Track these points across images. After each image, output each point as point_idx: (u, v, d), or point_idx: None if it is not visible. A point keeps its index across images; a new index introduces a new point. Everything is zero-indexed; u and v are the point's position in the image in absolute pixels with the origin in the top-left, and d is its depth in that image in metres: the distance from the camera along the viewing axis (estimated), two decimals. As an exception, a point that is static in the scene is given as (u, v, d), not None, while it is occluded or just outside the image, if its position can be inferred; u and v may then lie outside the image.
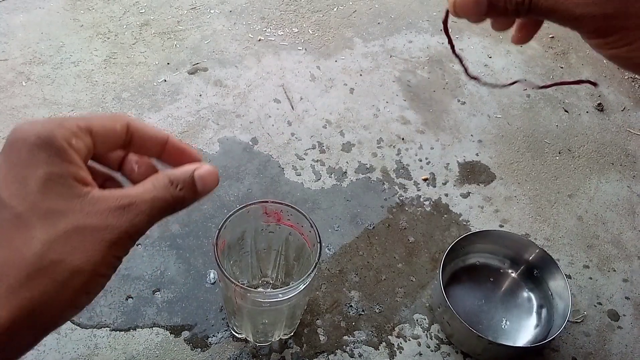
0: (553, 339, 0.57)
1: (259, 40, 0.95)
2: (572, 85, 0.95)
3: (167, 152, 0.33)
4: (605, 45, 0.31)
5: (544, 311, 0.63)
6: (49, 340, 0.57)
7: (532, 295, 0.65)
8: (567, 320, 0.57)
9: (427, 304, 0.64)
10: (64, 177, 0.27)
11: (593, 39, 0.31)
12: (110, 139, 0.30)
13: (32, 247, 0.25)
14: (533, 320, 0.63)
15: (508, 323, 0.63)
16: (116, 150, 0.32)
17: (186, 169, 0.31)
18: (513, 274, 0.67)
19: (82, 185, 0.27)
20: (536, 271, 0.65)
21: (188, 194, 0.31)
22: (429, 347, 0.61)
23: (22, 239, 0.25)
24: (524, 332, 0.62)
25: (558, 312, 0.61)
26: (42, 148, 0.26)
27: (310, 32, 0.98)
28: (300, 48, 0.94)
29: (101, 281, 0.27)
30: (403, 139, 0.82)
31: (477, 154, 0.82)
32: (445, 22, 0.37)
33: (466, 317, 0.61)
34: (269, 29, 0.97)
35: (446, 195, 0.76)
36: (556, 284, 0.62)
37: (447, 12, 0.34)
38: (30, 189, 0.26)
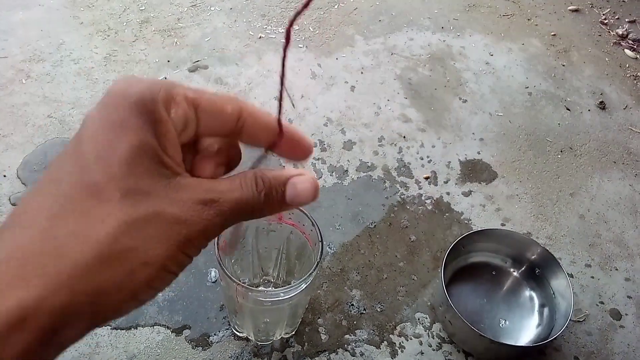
0: (555, 338, 0.57)
1: (260, 37, 0.94)
2: (573, 84, 0.95)
3: (283, 144, 0.29)
4: None
5: (545, 310, 0.63)
6: (50, 339, 0.57)
7: (534, 294, 0.65)
8: (569, 320, 0.57)
9: (429, 303, 0.64)
10: (155, 152, 0.24)
11: None
12: (218, 121, 0.26)
13: (107, 226, 0.22)
14: (535, 319, 0.63)
15: (510, 322, 0.63)
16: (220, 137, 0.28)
17: (279, 174, 0.27)
18: (515, 273, 0.67)
19: (173, 165, 0.24)
20: (538, 270, 0.65)
21: (271, 203, 0.27)
22: (431, 346, 0.61)
23: (98, 213, 0.22)
24: (525, 331, 0.62)
25: (560, 311, 0.60)
26: (141, 111, 0.23)
27: (311, 29, 0.97)
28: (301, 46, 0.94)
29: (168, 278, 0.24)
30: (404, 137, 0.82)
31: (478, 152, 0.81)
32: None
33: (468, 316, 0.60)
34: (270, 27, 0.97)
35: (448, 193, 0.75)
36: (558, 283, 0.62)
37: None
38: (118, 155, 0.23)
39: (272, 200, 0.27)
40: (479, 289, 0.65)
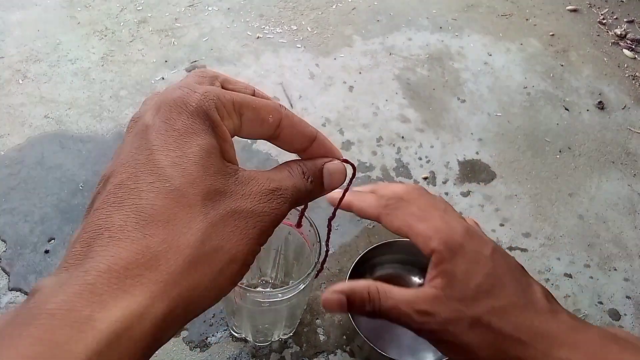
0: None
1: (257, 37, 0.94)
2: (571, 84, 0.94)
3: (312, 150, 0.31)
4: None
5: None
6: (46, 340, 0.56)
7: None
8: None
9: (428, 304, 0.64)
10: (219, 151, 0.25)
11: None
12: (257, 129, 0.28)
13: (195, 230, 0.23)
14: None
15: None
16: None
17: (317, 161, 0.30)
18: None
19: (231, 163, 0.26)
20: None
21: (316, 187, 0.30)
22: (430, 347, 0.61)
23: (185, 218, 0.23)
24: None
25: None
26: (201, 117, 0.25)
27: (309, 29, 0.97)
28: (299, 46, 0.94)
29: (245, 271, 0.25)
30: (403, 137, 0.82)
31: (477, 153, 0.81)
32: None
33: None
34: (268, 27, 0.96)
35: (446, 194, 0.75)
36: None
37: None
38: (190, 160, 0.24)
39: (316, 186, 0.30)
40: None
